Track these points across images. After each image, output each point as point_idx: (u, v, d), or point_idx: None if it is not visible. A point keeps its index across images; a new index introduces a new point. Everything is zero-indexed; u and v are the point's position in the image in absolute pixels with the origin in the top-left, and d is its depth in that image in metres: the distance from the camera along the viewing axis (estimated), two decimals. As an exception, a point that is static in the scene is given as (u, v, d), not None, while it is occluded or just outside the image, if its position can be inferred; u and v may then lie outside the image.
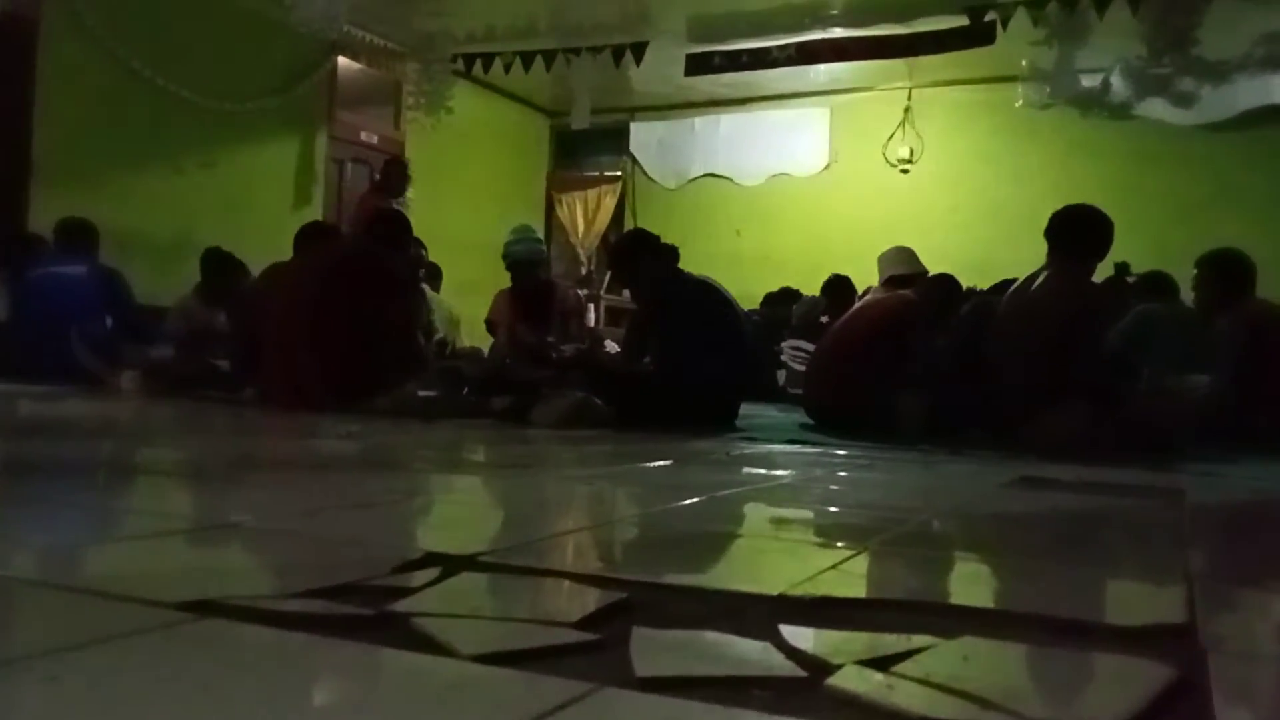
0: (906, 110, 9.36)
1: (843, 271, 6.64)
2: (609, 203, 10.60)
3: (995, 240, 8.63)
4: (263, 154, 7.60)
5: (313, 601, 0.90)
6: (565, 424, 3.53)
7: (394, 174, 7.31)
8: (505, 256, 5.10)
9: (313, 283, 3.96)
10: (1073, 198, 4.03)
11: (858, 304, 4.76)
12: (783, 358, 6.59)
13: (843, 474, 2.49)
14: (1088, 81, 8.36)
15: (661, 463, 2.49)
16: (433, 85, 8.82)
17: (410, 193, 8.58)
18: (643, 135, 10.55)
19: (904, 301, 4.40)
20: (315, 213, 7.70)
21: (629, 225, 9.99)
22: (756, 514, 1.80)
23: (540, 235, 5.39)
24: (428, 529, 1.46)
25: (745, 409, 4.39)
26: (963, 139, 9.27)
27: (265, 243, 5.68)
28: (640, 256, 4.12)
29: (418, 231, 5.23)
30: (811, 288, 7.30)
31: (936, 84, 9.25)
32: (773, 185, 9.94)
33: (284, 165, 7.82)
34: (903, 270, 5.10)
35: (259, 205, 7.39)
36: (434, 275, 6.51)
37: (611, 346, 6.27)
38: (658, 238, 4.21)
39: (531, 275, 5.07)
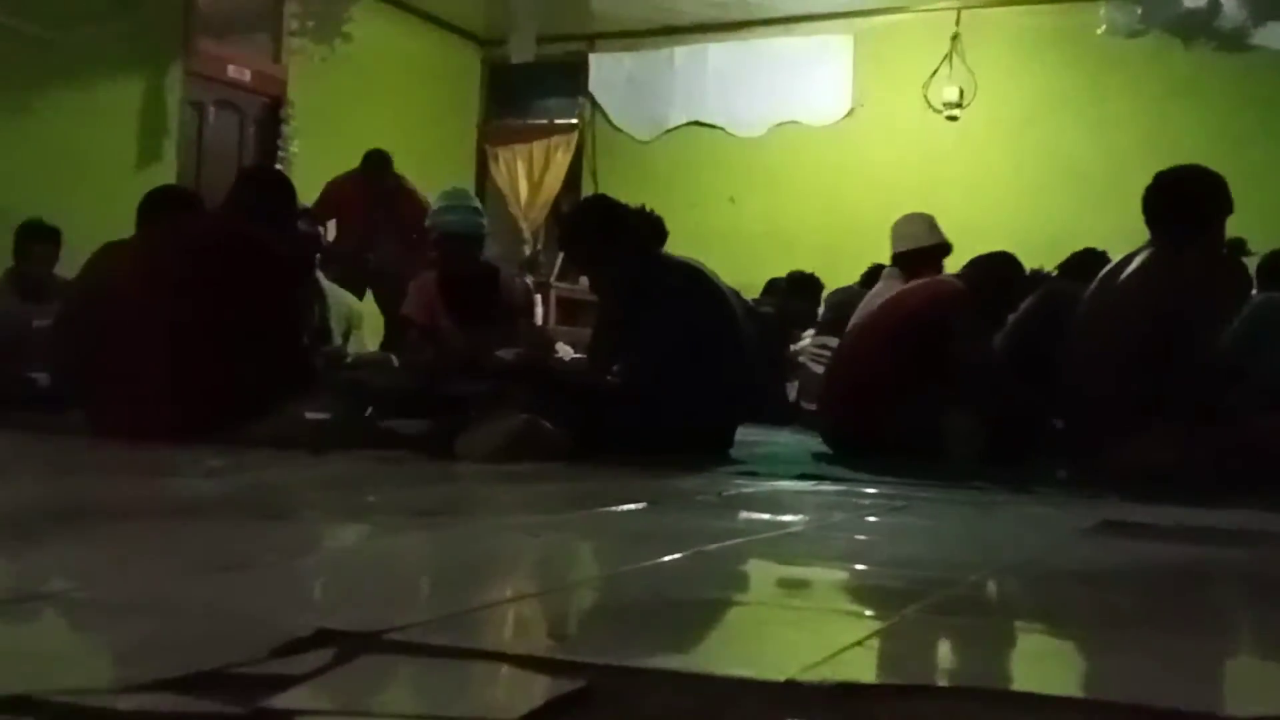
0: (954, 38, 9.42)
1: (872, 250, 6.67)
2: (561, 160, 10.61)
3: (1072, 210, 8.70)
4: (96, 95, 7.50)
5: (163, 696, 0.89)
6: (504, 455, 3.56)
7: (380, 164, 7.34)
8: (432, 229, 5.16)
9: (167, 270, 3.92)
10: (1171, 154, 4.09)
11: (881, 294, 4.85)
12: (801, 359, 6.68)
13: (871, 519, 2.53)
14: (1191, 1, 8.48)
15: (632, 506, 2.51)
16: (325, 4, 8.80)
17: (294, 145, 8.52)
18: (606, 71, 10.57)
19: (946, 290, 4.47)
20: (168, 174, 7.66)
21: (587, 190, 10.04)
22: (758, 573, 1.82)
23: (477, 202, 5.43)
24: (320, 597, 1.47)
25: (744, 434, 4.44)
26: (1028, 76, 9.33)
27: (100, 214, 5.56)
28: (603, 232, 4.14)
29: (303, 199, 5.20)
30: (829, 271, 7.37)
31: (993, 3, 9.35)
32: (778, 137, 9.96)
33: (125, 110, 7.75)
34: (913, 245, 5.26)
35: (92, 164, 7.30)
36: (338, 259, 6.48)
37: (565, 352, 6.27)
38: (626, 207, 4.24)
39: (467, 257, 5.14)
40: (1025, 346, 4.43)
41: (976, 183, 9.12)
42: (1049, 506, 2.89)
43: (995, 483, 3.31)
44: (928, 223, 5.34)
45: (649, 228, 4.29)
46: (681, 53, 10.28)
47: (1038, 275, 4.87)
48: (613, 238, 4.12)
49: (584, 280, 7.22)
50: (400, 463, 3.49)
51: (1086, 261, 4.88)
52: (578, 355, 5.59)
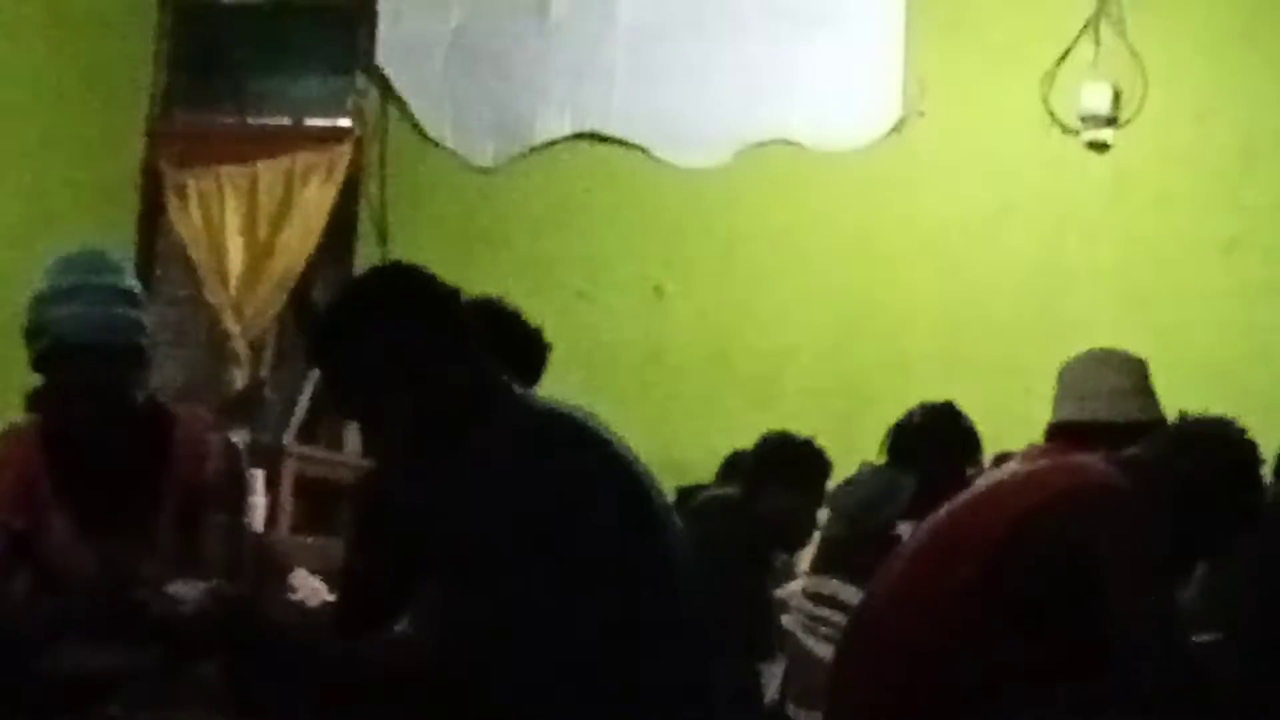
0: (1103, -2, 9.79)
1: (932, 394, 7.00)
2: (317, 198, 10.90)
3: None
4: None
5: None
6: None
7: None
8: (32, 336, 5.03)
9: None
10: None
11: (970, 491, 5.01)
12: (786, 621, 6.81)
13: None
14: None
15: None
16: None
17: None
18: (411, 25, 10.95)
19: (1087, 491, 4.57)
20: None
21: (368, 261, 10.11)
22: None
23: (131, 279, 5.36)
24: None
25: None
26: (1249, 68, 9.67)
27: None
28: (409, 341, 4.09)
29: None
30: (842, 438, 7.66)
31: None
32: (755, 170, 10.27)
33: None
34: (1109, 415, 5.41)
35: None
36: None
37: (308, 589, 6.15)
38: (456, 291, 4.19)
39: (101, 391, 5.04)
40: (1247, 612, 4.77)
41: (1146, 270, 9.42)
42: None
43: None
44: (1137, 375, 5.53)
45: (506, 341, 4.41)
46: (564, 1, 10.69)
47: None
48: (428, 355, 4.09)
49: (354, 438, 7.09)
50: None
51: None
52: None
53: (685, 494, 7.24)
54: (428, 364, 4.10)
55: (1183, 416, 4.77)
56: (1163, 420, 5.25)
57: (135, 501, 5.02)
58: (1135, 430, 5.16)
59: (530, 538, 3.91)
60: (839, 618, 5.93)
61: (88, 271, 5.12)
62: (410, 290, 4.25)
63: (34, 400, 5.11)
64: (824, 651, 5.90)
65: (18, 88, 10.26)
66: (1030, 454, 5.52)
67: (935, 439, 6.62)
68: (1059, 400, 5.55)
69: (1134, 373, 5.55)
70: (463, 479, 4.01)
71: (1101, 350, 5.72)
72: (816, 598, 6.52)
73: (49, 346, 4.97)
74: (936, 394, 7.01)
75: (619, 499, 4.07)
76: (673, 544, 4.18)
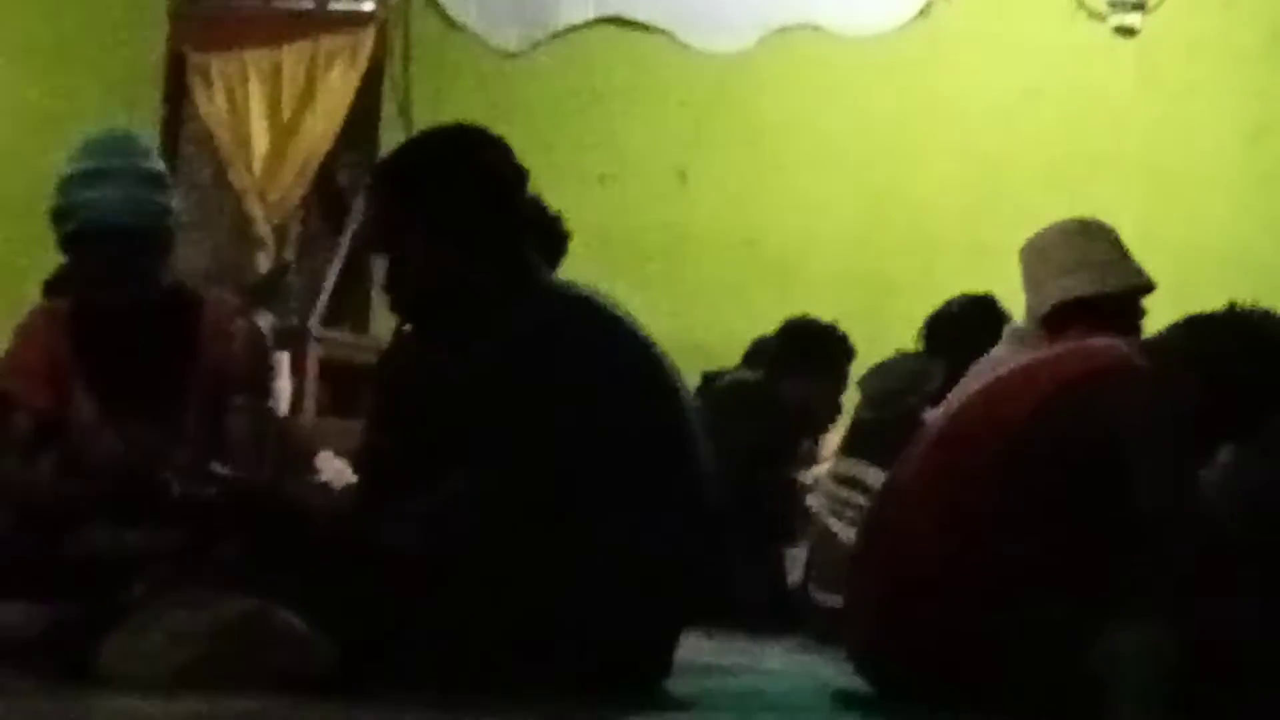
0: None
1: (960, 283, 6.98)
2: (340, 82, 10.96)
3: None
4: None
5: None
6: (201, 677, 3.63)
7: None
8: (60, 218, 5.11)
9: None
10: None
11: (976, 376, 5.10)
12: (811, 505, 6.82)
13: None
14: None
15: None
16: None
17: None
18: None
19: (1109, 371, 4.52)
20: None
21: (391, 141, 9.98)
22: None
23: (156, 162, 5.43)
24: None
25: (694, 650, 4.57)
26: None
27: None
28: (469, 195, 4.24)
29: None
30: (871, 324, 7.73)
31: None
32: (777, 55, 10.35)
33: None
34: (1084, 288, 5.43)
35: None
36: None
37: (334, 471, 6.19)
38: (525, 176, 4.35)
39: (128, 273, 5.11)
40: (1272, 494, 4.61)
41: (1172, 156, 9.41)
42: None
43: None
44: (1107, 241, 5.51)
45: (530, 224, 4.47)
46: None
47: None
48: (483, 221, 4.24)
49: (379, 321, 7.02)
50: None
51: None
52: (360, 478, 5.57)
53: (709, 379, 7.29)
54: (481, 229, 4.24)
55: (1231, 306, 4.60)
56: (1144, 283, 5.40)
57: (161, 385, 5.12)
58: (1131, 297, 5.36)
59: (551, 418, 4.05)
60: (863, 500, 5.94)
61: (114, 154, 5.18)
62: (494, 156, 4.36)
63: (51, 286, 5.09)
64: (847, 534, 5.90)
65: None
66: (1033, 338, 5.61)
67: (971, 328, 6.51)
68: (1045, 279, 5.56)
69: (1112, 238, 5.56)
70: (490, 356, 4.13)
71: (1069, 222, 5.72)
72: (841, 480, 6.50)
73: (77, 229, 5.04)
74: (961, 280, 7.01)
75: (638, 384, 4.21)
76: (691, 430, 4.30)
